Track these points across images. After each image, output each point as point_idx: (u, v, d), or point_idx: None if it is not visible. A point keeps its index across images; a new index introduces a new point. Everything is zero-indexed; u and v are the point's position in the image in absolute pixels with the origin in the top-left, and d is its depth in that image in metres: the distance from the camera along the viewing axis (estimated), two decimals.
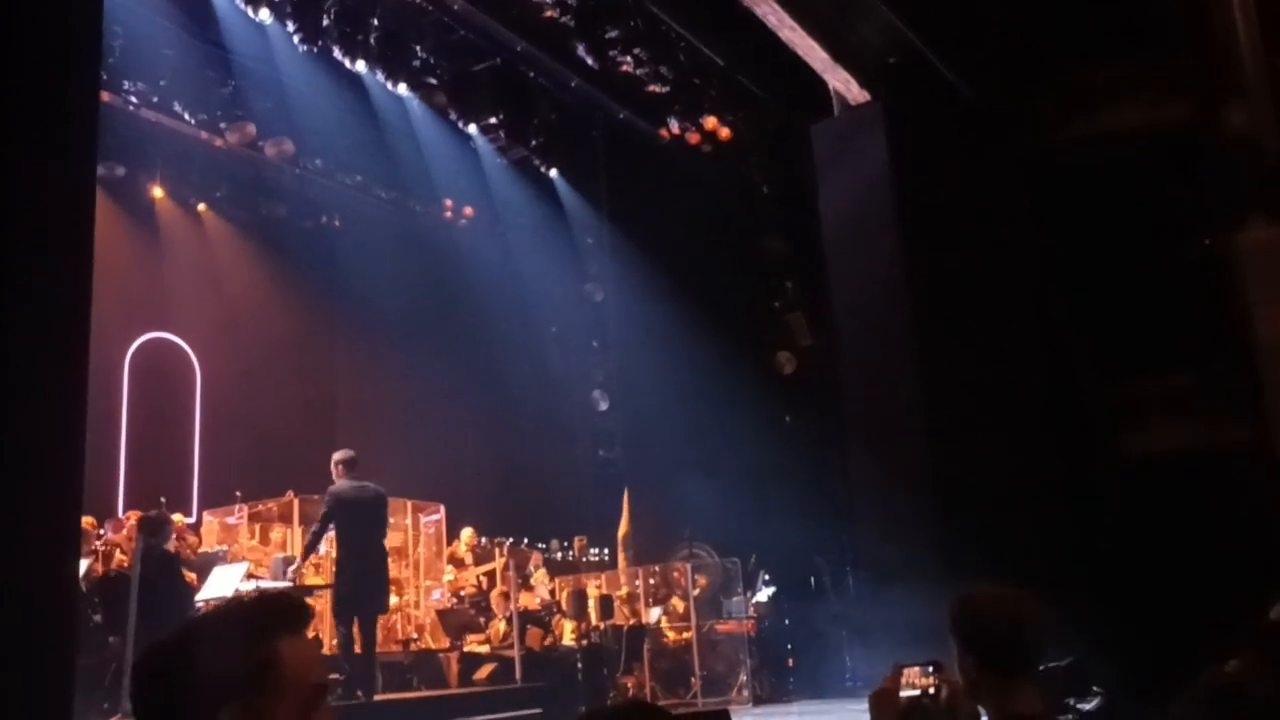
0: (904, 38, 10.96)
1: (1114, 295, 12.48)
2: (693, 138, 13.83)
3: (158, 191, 12.51)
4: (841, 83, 11.56)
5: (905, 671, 2.49)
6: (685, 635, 11.96)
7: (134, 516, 9.43)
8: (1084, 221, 12.59)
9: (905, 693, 2.48)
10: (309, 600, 9.45)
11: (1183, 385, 12.93)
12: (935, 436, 10.70)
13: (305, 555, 9.14)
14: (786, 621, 13.16)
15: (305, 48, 11.29)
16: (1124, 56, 13.35)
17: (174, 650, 1.36)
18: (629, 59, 12.57)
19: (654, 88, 13.09)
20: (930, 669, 2.49)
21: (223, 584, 8.68)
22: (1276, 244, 12.48)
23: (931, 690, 2.49)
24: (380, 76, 11.99)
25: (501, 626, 10.79)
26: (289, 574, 9.25)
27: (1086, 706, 7.58)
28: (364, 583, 8.43)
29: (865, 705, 2.50)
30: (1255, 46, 12.63)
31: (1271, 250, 12.49)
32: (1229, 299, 12.68)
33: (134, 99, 11.29)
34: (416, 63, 12.22)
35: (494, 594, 11.33)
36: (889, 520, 10.50)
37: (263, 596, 1.51)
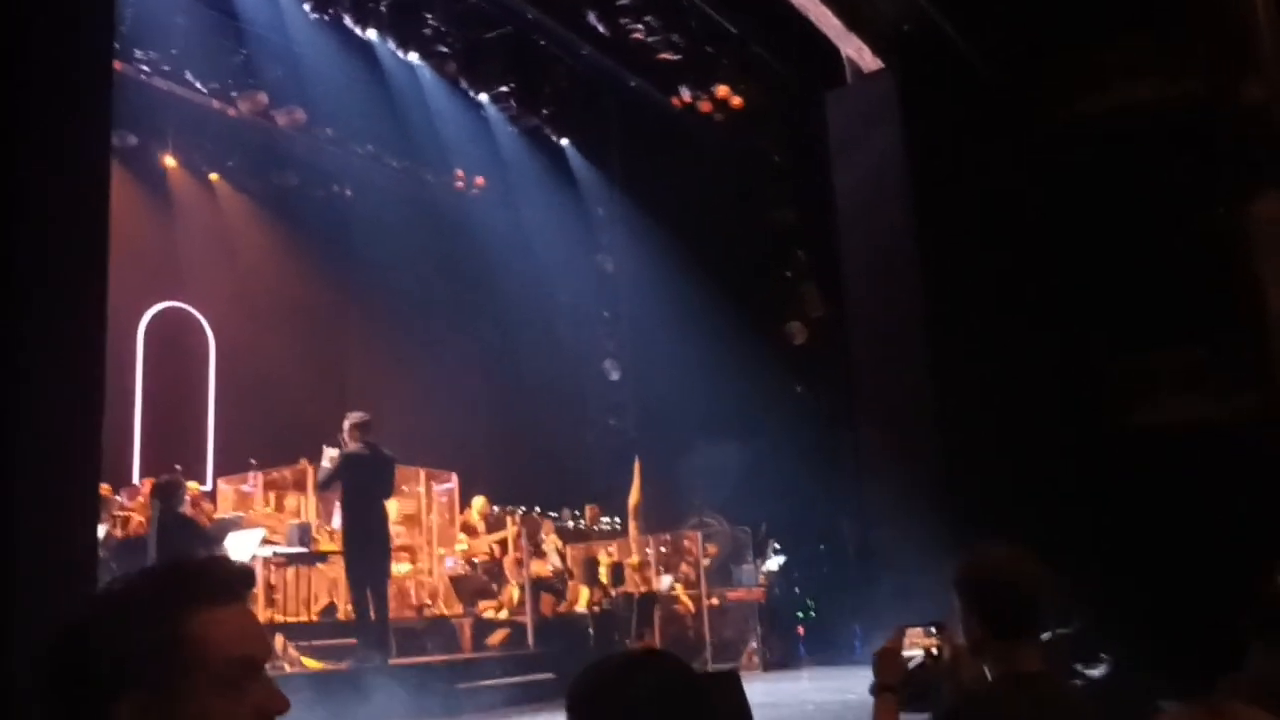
0: (917, 6, 10.88)
1: (1126, 268, 12.43)
2: (705, 106, 13.77)
3: (170, 160, 12.53)
4: (855, 51, 11.49)
5: (908, 632, 2.54)
6: (696, 603, 12.06)
7: (149, 483, 9.52)
8: (1096, 195, 12.53)
9: (908, 652, 2.53)
10: (322, 566, 9.60)
11: (1193, 358, 12.91)
12: (945, 408, 10.72)
13: (318, 489, 9.34)
14: (797, 590, 13.26)
15: (316, 15, 11.27)
16: (1138, 29, 13.23)
17: (71, 634, 1.19)
18: (640, 26, 12.50)
19: (666, 56, 13.02)
20: (933, 630, 2.54)
21: (239, 549, 8.78)
22: None
23: (934, 650, 2.53)
24: (391, 45, 11.97)
25: (515, 593, 10.89)
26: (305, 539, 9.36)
27: (1093, 673, 7.64)
28: (370, 548, 8.52)
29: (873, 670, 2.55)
30: (1272, 19, 12.49)
31: None
32: (1240, 272, 12.63)
33: (146, 67, 11.28)
34: (428, 31, 12.18)
35: (507, 561, 11.43)
36: (898, 490, 10.54)
37: (175, 565, 1.27)
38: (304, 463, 10.71)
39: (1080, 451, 11.62)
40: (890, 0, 11.05)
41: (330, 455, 8.74)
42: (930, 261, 11.07)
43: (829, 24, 11.01)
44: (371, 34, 11.71)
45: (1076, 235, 12.71)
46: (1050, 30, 12.65)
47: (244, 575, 1.30)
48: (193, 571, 1.25)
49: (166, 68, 11.46)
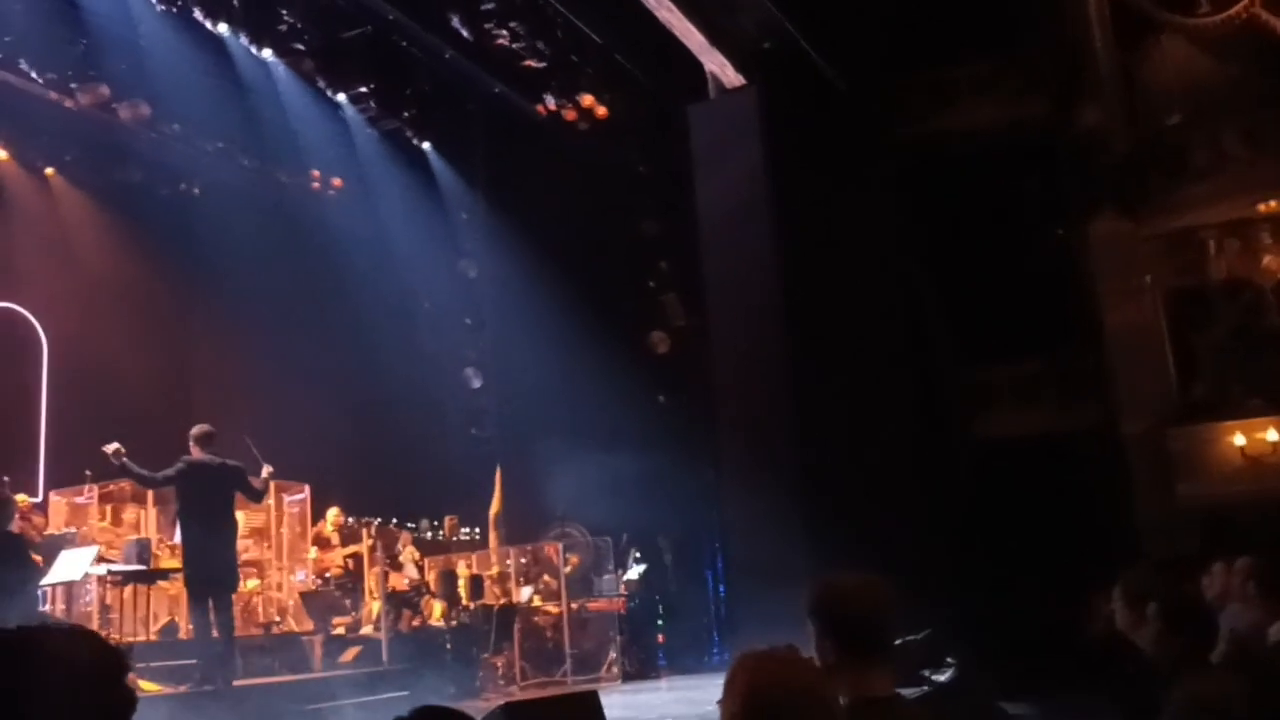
0: (779, 24, 11.10)
1: (974, 283, 12.95)
2: (569, 115, 13.73)
3: (2, 153, 11.85)
4: (718, 66, 11.64)
5: None
6: (556, 614, 11.97)
7: None
8: (947, 211, 13.02)
9: None
10: (163, 584, 9.15)
11: (1036, 371, 13.56)
12: (803, 418, 10.93)
13: (137, 479, 8.38)
14: (657, 599, 13.33)
15: (164, 7, 10.79)
16: (987, 53, 13.83)
17: None
18: (505, 32, 12.39)
19: (530, 62, 12.94)
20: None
21: (71, 568, 8.30)
22: (1123, 236, 13.17)
23: None
24: (244, 40, 11.53)
25: (376, 607, 10.61)
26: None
27: (940, 678, 7.88)
28: (214, 561, 8.12)
29: None
30: (1109, 47, 13.25)
31: (1118, 242, 13.17)
32: (1079, 288, 13.34)
33: None
34: (283, 27, 11.79)
35: (370, 575, 11.14)
36: (757, 499, 10.69)
37: None
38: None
39: (930, 461, 12.02)
40: (752, 18, 11.24)
41: (116, 448, 8.01)
42: (790, 274, 11.28)
43: (693, 39, 11.13)
44: (223, 28, 11.25)
45: (931, 249, 13.19)
46: (906, 50, 13.11)
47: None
48: None
49: None
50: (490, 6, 11.98)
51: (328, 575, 11.33)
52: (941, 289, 13.16)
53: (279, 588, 11.01)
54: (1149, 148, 12.96)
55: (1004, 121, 13.50)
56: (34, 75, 11.21)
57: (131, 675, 1.67)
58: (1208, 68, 13.00)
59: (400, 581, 11.32)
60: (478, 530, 13.88)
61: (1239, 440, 12.44)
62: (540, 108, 13.71)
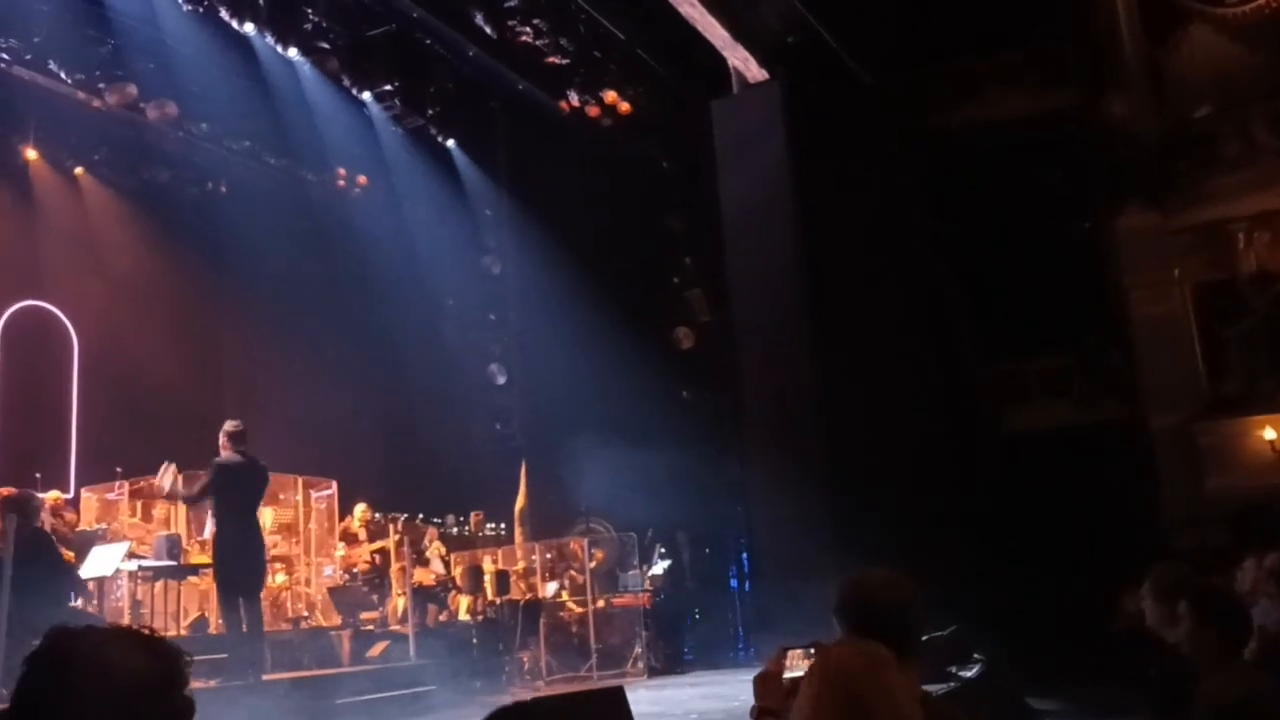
0: (802, 18, 11.06)
1: (1000, 277, 12.88)
2: (593, 111, 13.74)
3: (31, 153, 11.98)
4: (741, 61, 11.62)
5: (789, 654, 2.52)
6: (581, 609, 12.00)
7: (3, 494, 9.01)
8: (972, 204, 12.95)
9: (789, 674, 2.51)
10: (193, 579, 9.24)
11: (1063, 365, 13.48)
12: (829, 413, 10.90)
13: (189, 500, 8.85)
14: (688, 587, 13.37)
15: (190, 7, 10.88)
16: (1013, 45, 13.74)
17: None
18: (528, 29, 12.42)
19: (554, 59, 12.97)
20: (813, 651, 2.52)
21: (103, 563, 8.39)
22: (1151, 229, 13.06)
23: None
24: (270, 39, 11.61)
25: (401, 603, 10.68)
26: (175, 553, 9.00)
27: (968, 674, 7.84)
28: (245, 559, 8.21)
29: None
30: (1136, 38, 13.13)
31: (1147, 234, 13.06)
32: (1106, 281, 13.24)
33: (5, 55, 10.73)
34: (308, 26, 11.86)
35: (394, 570, 11.21)
36: (783, 494, 10.68)
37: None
38: (173, 470, 10.28)
39: (957, 455, 11.98)
40: (775, 12, 11.21)
41: (169, 470, 8.38)
42: (814, 268, 11.25)
43: (715, 33, 11.12)
44: (249, 28, 11.33)
45: (956, 242, 13.13)
46: (931, 42, 13.04)
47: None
48: None
49: (28, 56, 10.93)
50: (513, 4, 12.02)
51: (355, 570, 11.40)
52: (967, 283, 13.11)
53: (307, 583, 11.09)
54: (1177, 139, 12.84)
55: (1030, 114, 13.42)
56: (63, 75, 11.33)
57: (192, 683, 1.51)
58: (1237, 58, 12.86)
59: (427, 577, 11.38)
60: (503, 526, 13.94)
61: (1269, 434, 12.31)
62: (564, 104, 13.74)
